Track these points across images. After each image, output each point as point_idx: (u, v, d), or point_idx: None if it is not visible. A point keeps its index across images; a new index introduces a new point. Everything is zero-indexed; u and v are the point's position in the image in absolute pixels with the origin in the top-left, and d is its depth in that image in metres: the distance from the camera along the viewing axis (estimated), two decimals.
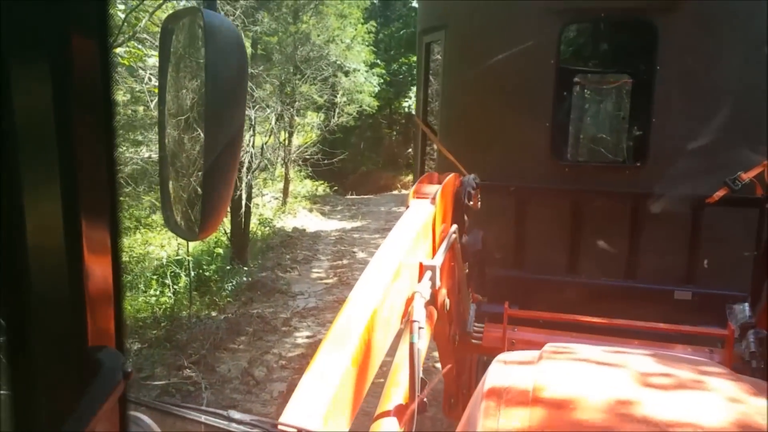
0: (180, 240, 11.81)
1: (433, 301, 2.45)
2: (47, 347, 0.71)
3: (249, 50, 13.99)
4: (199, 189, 1.26)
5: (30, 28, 0.63)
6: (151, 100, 10.07)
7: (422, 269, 2.43)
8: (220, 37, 1.19)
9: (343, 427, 1.55)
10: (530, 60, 4.47)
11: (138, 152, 11.21)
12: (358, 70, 19.92)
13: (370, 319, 1.81)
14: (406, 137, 25.66)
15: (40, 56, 0.65)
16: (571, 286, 4.28)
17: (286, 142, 18.43)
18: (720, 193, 3.94)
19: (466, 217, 3.45)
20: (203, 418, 1.11)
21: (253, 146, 13.80)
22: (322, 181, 23.73)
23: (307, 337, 9.42)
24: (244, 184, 13.10)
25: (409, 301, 2.21)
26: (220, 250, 12.99)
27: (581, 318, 3.59)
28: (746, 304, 3.57)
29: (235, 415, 1.18)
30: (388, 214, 19.53)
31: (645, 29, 4.48)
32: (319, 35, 16.35)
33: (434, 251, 2.77)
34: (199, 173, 1.25)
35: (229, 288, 11.51)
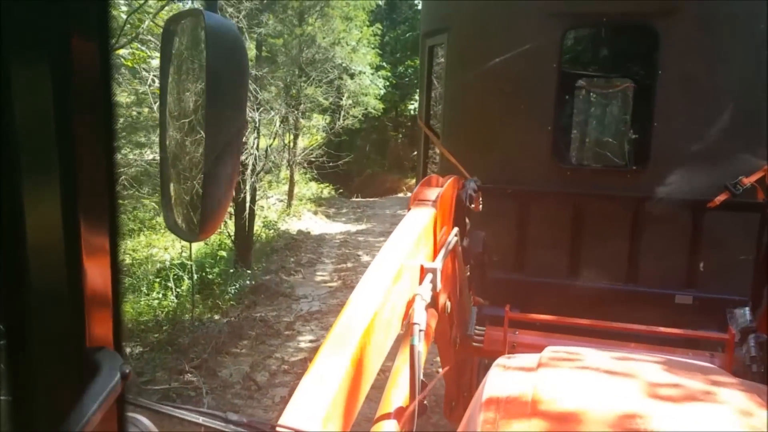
0: (183, 243, 11.80)
1: (433, 303, 2.45)
2: (46, 348, 0.72)
3: (254, 52, 14.01)
4: (200, 190, 1.27)
5: (30, 30, 0.64)
6: (155, 102, 10.06)
7: (423, 272, 2.43)
8: (220, 39, 1.20)
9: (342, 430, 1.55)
10: (532, 63, 4.47)
11: (142, 154, 11.22)
12: (364, 73, 19.93)
13: (371, 322, 1.81)
14: (412, 140, 25.63)
15: (41, 57, 0.66)
16: (573, 289, 4.27)
17: (292, 144, 18.43)
18: (721, 197, 3.93)
19: (467, 220, 3.46)
20: (201, 419, 1.11)
21: (257, 148, 13.79)
22: (327, 184, 23.73)
23: (311, 341, 9.41)
24: (248, 187, 13.07)
25: (410, 303, 2.21)
26: (224, 253, 12.97)
27: (582, 321, 3.59)
28: (747, 309, 3.56)
29: (233, 417, 1.18)
30: (393, 216, 19.50)
31: (646, 33, 4.48)
32: (324, 37, 16.36)
33: (435, 254, 2.78)
34: (200, 174, 1.26)
35: (233, 291, 11.49)
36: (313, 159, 19.45)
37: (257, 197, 14.40)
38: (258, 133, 13.87)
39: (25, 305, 0.68)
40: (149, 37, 9.34)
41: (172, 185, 1.46)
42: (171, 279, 11.40)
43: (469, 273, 3.56)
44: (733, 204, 3.98)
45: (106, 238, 0.77)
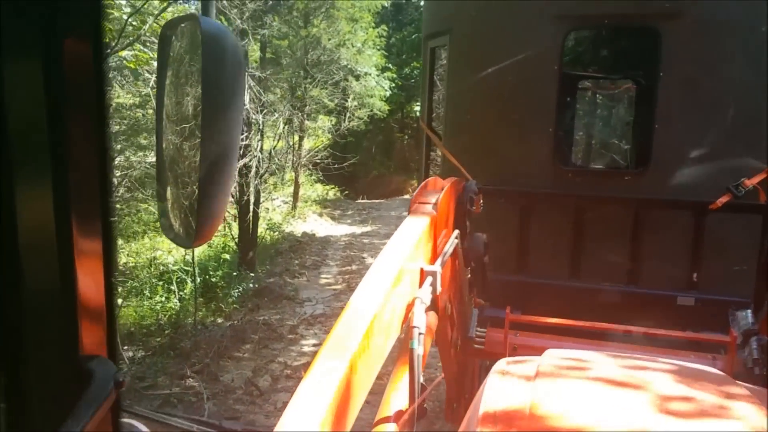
0: None
1: (434, 306, 2.45)
2: (40, 357, 0.72)
3: (258, 54, 13.99)
4: (196, 194, 1.26)
5: (22, 31, 0.64)
6: None
7: (423, 274, 2.43)
8: (216, 45, 1.20)
9: None
10: (534, 65, 4.48)
11: (145, 156, 11.19)
12: (369, 74, 19.93)
13: (370, 325, 1.81)
14: (418, 141, 25.42)
15: (33, 59, 0.66)
16: (574, 291, 4.27)
17: (297, 146, 18.42)
18: (723, 200, 3.93)
19: (468, 222, 3.46)
20: (195, 428, 1.12)
21: (261, 150, 13.76)
22: (332, 186, 23.65)
23: (314, 345, 9.32)
24: (252, 189, 13.05)
25: (410, 306, 2.21)
26: (227, 256, 12.90)
27: (583, 323, 3.58)
28: (749, 311, 3.56)
29: (227, 424, 1.18)
30: (399, 218, 19.35)
31: (648, 35, 4.47)
32: (329, 39, 16.38)
33: (436, 256, 2.77)
34: (196, 180, 1.26)
35: (236, 294, 11.42)
36: (318, 161, 19.38)
37: (261, 199, 14.33)
38: (262, 135, 13.83)
39: (18, 315, 0.68)
40: (152, 38, 9.33)
41: (168, 191, 1.46)
42: (174, 282, 11.33)
43: (469, 275, 3.56)
44: (735, 206, 3.98)
45: (100, 246, 0.78)
